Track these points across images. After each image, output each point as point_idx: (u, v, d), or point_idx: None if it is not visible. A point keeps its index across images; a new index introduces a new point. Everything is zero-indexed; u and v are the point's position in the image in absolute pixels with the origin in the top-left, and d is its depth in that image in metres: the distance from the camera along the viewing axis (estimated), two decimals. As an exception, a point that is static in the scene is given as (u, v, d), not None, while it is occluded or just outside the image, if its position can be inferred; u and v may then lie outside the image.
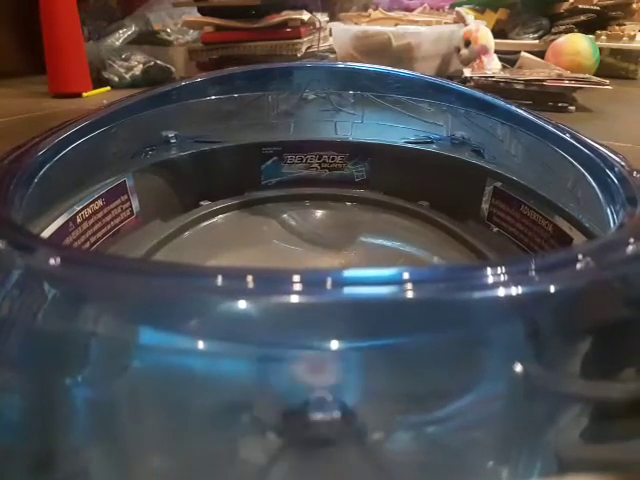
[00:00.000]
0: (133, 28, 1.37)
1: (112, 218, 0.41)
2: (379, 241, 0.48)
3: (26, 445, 0.14)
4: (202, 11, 1.31)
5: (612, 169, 0.27)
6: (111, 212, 0.41)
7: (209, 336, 0.14)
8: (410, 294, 0.14)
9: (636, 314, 0.17)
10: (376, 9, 1.62)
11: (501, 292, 0.15)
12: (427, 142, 0.50)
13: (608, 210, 0.25)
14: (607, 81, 1.05)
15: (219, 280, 0.14)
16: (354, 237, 0.48)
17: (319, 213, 0.52)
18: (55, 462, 0.14)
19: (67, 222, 0.35)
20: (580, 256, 0.16)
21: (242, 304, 0.14)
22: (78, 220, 0.36)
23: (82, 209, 0.37)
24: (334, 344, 0.14)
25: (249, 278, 0.14)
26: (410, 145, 0.51)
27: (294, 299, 0.14)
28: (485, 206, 0.45)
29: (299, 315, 0.14)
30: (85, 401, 0.14)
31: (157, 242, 0.44)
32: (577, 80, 1.06)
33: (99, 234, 0.39)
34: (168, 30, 1.44)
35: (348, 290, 0.14)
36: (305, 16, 1.29)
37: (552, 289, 0.15)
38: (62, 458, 0.14)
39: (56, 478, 0.14)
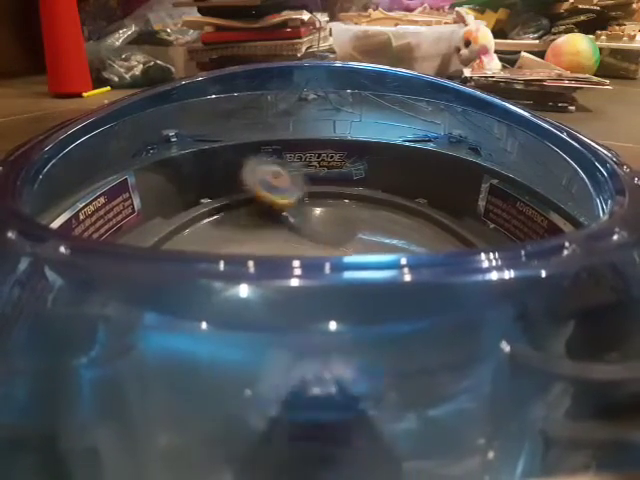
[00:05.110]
0: (133, 28, 1.37)
1: (114, 215, 0.42)
2: (377, 238, 0.48)
3: (36, 426, 0.15)
4: (202, 11, 1.32)
5: (604, 165, 0.27)
6: (113, 209, 0.41)
7: (211, 319, 0.15)
8: (407, 278, 0.15)
9: (621, 299, 0.17)
10: (376, 9, 1.62)
11: (493, 276, 0.15)
12: (425, 140, 0.51)
13: (598, 202, 0.25)
14: (607, 81, 1.05)
15: (221, 265, 0.15)
16: (352, 234, 0.48)
17: (318, 211, 0.53)
18: (64, 442, 0.15)
19: (70, 219, 0.35)
20: (568, 244, 0.17)
21: (243, 288, 0.15)
22: (81, 217, 0.37)
23: (85, 206, 0.37)
24: (332, 326, 0.14)
25: (250, 264, 0.15)
26: (408, 143, 0.51)
27: (294, 283, 0.14)
28: (482, 203, 0.45)
29: (299, 298, 0.15)
30: (93, 382, 0.15)
31: (158, 239, 0.44)
32: (577, 80, 1.06)
33: (101, 231, 0.40)
34: (168, 30, 1.44)
35: (346, 274, 0.15)
36: (305, 16, 1.29)
37: (541, 274, 0.16)
38: (71, 438, 0.15)
39: (65, 457, 0.15)
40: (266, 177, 0.49)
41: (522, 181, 0.41)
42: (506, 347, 0.15)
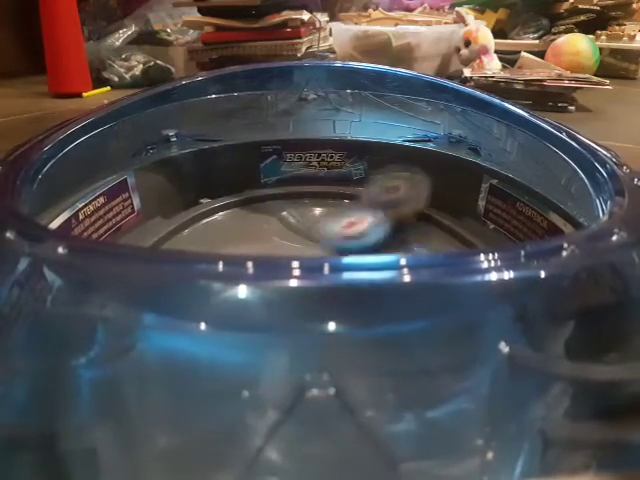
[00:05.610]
0: (133, 28, 1.37)
1: (114, 215, 0.42)
2: (377, 238, 0.48)
3: (35, 426, 0.15)
4: (202, 11, 1.32)
5: (603, 165, 0.27)
6: (113, 209, 0.41)
7: (210, 319, 0.15)
8: (406, 278, 0.15)
9: (620, 300, 0.17)
10: (376, 9, 1.62)
11: (493, 277, 0.15)
12: (425, 140, 0.51)
13: (597, 203, 0.25)
14: (607, 81, 1.05)
15: (220, 266, 0.15)
16: (352, 234, 0.48)
17: (318, 211, 0.53)
18: (63, 442, 0.15)
19: (69, 219, 0.35)
20: (567, 244, 0.17)
21: (242, 289, 0.15)
22: (80, 217, 0.37)
23: (84, 206, 0.37)
24: (332, 326, 0.14)
25: (249, 264, 0.15)
26: (408, 143, 0.51)
27: (293, 284, 0.14)
28: (482, 203, 0.45)
29: (298, 299, 0.15)
30: (92, 382, 0.15)
31: (158, 239, 0.44)
32: (577, 80, 1.06)
33: (101, 231, 0.40)
34: (168, 30, 1.44)
35: (346, 275, 0.15)
36: (305, 16, 1.29)
37: (540, 275, 0.16)
38: (70, 437, 0.15)
39: (64, 457, 0.15)
40: (341, 228, 0.44)
41: (522, 181, 0.41)
42: (505, 348, 0.15)
